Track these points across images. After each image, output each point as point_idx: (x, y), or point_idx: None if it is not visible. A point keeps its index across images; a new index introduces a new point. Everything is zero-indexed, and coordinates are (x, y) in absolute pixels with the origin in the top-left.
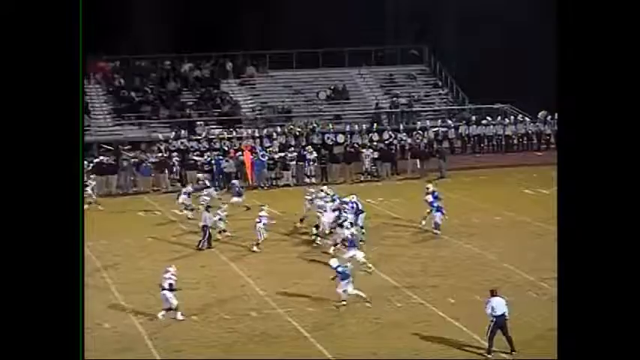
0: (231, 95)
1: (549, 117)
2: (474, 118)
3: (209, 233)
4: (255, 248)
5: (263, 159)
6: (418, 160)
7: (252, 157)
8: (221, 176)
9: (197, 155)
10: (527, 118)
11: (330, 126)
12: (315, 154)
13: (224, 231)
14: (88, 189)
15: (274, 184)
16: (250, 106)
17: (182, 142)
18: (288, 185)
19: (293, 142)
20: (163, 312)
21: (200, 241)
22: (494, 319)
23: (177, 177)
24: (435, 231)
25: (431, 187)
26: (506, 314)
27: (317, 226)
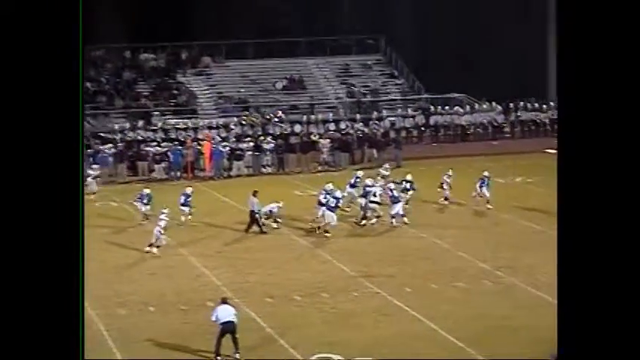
0: (187, 85)
1: (505, 106)
2: (431, 108)
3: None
4: (154, 250)
5: (223, 149)
6: (374, 150)
7: (211, 147)
8: (177, 167)
9: (154, 146)
10: (484, 106)
11: (280, 113)
12: (271, 144)
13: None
14: None
15: (229, 174)
16: (206, 96)
17: (138, 133)
18: (240, 175)
19: (249, 132)
20: (148, 248)
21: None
22: (221, 326)
23: (133, 168)
24: (393, 220)
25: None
26: (233, 320)
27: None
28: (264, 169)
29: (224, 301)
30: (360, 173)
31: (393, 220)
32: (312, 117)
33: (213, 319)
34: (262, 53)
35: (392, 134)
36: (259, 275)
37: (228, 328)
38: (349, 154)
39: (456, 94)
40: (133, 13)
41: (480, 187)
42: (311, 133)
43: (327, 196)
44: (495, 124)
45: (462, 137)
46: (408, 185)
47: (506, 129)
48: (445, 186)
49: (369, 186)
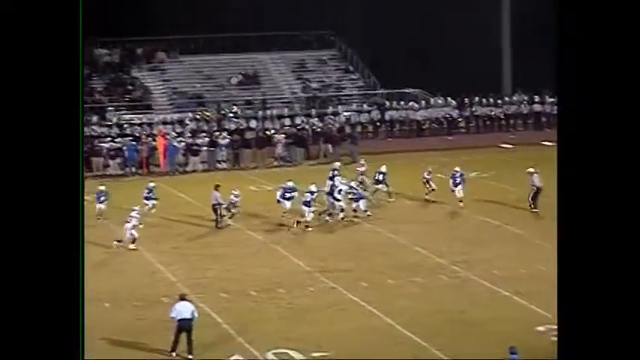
0: (142, 81)
1: (460, 101)
2: (387, 103)
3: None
4: (132, 246)
5: (178, 145)
6: (330, 145)
7: (165, 142)
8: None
9: (108, 142)
10: (439, 101)
11: (236, 108)
12: (227, 140)
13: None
14: None
15: (185, 170)
16: (161, 91)
17: (92, 129)
18: (195, 171)
19: (205, 128)
20: (116, 243)
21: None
22: (178, 323)
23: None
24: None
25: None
26: (191, 318)
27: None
28: (219, 165)
29: (183, 298)
30: (337, 164)
31: (357, 214)
32: (268, 112)
33: (172, 315)
34: (217, 49)
35: (347, 129)
36: (215, 271)
37: (184, 325)
38: (304, 150)
39: (411, 90)
40: (86, 9)
41: (454, 184)
42: (266, 129)
43: (287, 193)
44: (450, 119)
45: (418, 132)
46: (381, 177)
47: (462, 124)
48: (432, 182)
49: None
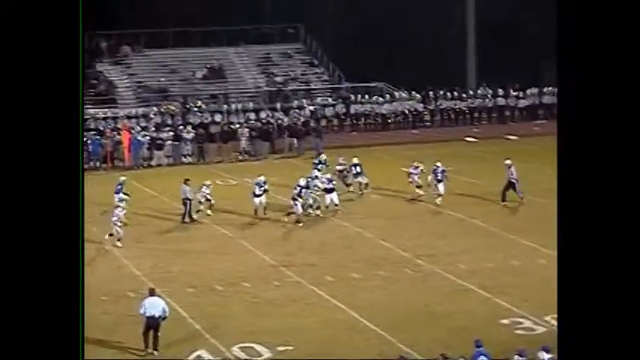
0: (106, 75)
1: (425, 95)
2: (352, 97)
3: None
4: (118, 243)
5: (142, 139)
6: (295, 139)
7: (130, 136)
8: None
9: None
10: (404, 95)
11: (200, 102)
12: (192, 134)
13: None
14: None
15: (149, 164)
16: (126, 85)
17: None
18: (160, 165)
19: (169, 122)
20: (107, 236)
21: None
22: (146, 320)
23: None
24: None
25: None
26: (160, 315)
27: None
28: (184, 159)
29: (152, 293)
30: (323, 157)
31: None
32: (233, 106)
33: (141, 311)
34: (182, 42)
35: (312, 123)
36: (181, 265)
37: (153, 323)
38: (270, 143)
39: (376, 83)
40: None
41: (436, 180)
42: (231, 123)
43: (259, 188)
44: (415, 112)
45: (383, 126)
46: (358, 169)
47: (427, 117)
48: (416, 177)
49: (312, 178)
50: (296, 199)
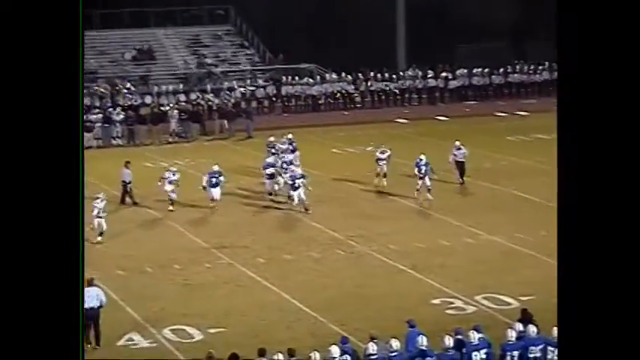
0: None
1: (355, 76)
2: (282, 78)
3: None
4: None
5: None
6: (226, 121)
7: None
8: None
9: None
10: (334, 76)
11: (129, 84)
12: (121, 116)
13: None
14: None
15: None
16: None
17: None
18: (90, 147)
19: (98, 104)
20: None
21: None
22: (85, 312)
23: None
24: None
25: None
26: (98, 306)
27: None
28: (113, 141)
29: (90, 283)
30: (272, 139)
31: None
32: (163, 88)
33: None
34: (110, 23)
35: (243, 105)
36: (111, 248)
37: (91, 315)
38: (200, 125)
39: (307, 65)
40: None
41: (420, 174)
42: (161, 104)
43: (213, 178)
44: (346, 94)
45: (314, 107)
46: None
47: (357, 99)
48: (384, 165)
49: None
50: (294, 189)
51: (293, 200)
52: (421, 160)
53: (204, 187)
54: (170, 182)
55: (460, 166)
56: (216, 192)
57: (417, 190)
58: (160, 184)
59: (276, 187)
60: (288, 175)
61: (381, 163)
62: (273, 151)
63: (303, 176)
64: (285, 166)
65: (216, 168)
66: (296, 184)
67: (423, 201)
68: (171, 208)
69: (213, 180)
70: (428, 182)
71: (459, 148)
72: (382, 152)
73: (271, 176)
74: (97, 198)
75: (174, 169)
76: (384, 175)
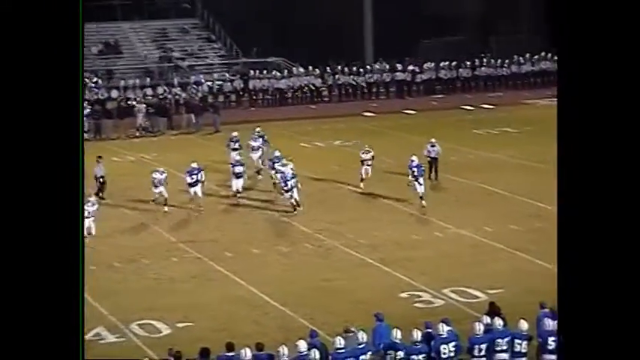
0: None
1: (323, 70)
2: (250, 72)
3: None
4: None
5: None
6: (193, 115)
7: None
8: None
9: None
10: (301, 70)
11: (96, 78)
12: (87, 110)
13: None
14: None
15: None
16: None
17: None
18: None
19: None
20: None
21: None
22: None
23: None
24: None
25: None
26: None
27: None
28: None
29: None
30: (235, 134)
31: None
32: (130, 82)
33: None
34: None
35: (210, 99)
36: None
37: None
38: (167, 119)
39: (274, 59)
40: None
41: (414, 177)
42: (128, 98)
43: (192, 176)
44: (313, 87)
45: (281, 101)
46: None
47: (325, 93)
48: (369, 167)
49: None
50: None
51: (292, 205)
52: (413, 161)
53: (189, 185)
54: (160, 183)
55: (434, 163)
56: (198, 189)
57: (419, 198)
58: (156, 190)
59: (242, 183)
60: (279, 176)
61: (365, 165)
62: (235, 146)
63: (294, 176)
64: (274, 166)
65: (194, 165)
66: (288, 186)
67: (420, 207)
68: (166, 209)
69: (193, 178)
70: (421, 188)
71: (433, 145)
72: (365, 152)
73: (239, 175)
74: (89, 200)
75: (162, 169)
76: (365, 175)
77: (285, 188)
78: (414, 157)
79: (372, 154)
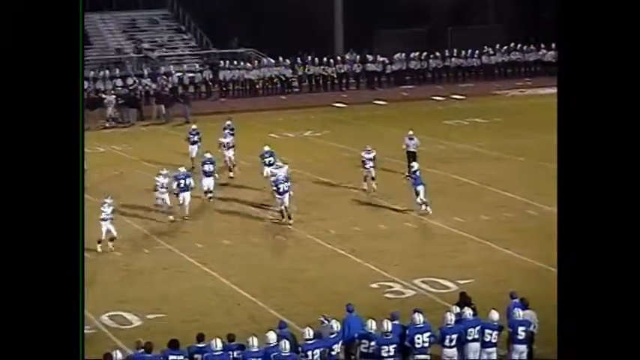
0: None
1: (293, 60)
2: (220, 63)
3: None
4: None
5: None
6: (163, 106)
7: None
8: None
9: None
10: (272, 61)
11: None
12: None
13: None
14: None
15: None
16: None
17: None
18: None
19: None
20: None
21: None
22: None
23: None
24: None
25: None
26: None
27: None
28: None
29: None
30: (194, 127)
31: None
32: (100, 73)
33: None
34: None
35: (180, 90)
36: None
37: None
38: (137, 110)
39: (244, 49)
40: None
41: (414, 182)
42: (98, 89)
43: (181, 181)
44: (283, 78)
45: (251, 92)
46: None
47: (295, 83)
48: (371, 167)
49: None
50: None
51: (281, 212)
52: (412, 166)
53: (175, 194)
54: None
55: (412, 155)
56: (186, 196)
57: (426, 208)
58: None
59: (212, 181)
60: (272, 179)
61: (367, 165)
62: (195, 139)
63: (287, 180)
64: (266, 161)
65: (183, 170)
66: (281, 189)
67: (421, 214)
68: (171, 217)
69: (181, 183)
70: (423, 195)
71: (412, 138)
72: (367, 152)
73: (209, 174)
74: (105, 202)
75: (166, 172)
76: (373, 178)
77: (277, 192)
78: (414, 164)
79: (374, 154)
